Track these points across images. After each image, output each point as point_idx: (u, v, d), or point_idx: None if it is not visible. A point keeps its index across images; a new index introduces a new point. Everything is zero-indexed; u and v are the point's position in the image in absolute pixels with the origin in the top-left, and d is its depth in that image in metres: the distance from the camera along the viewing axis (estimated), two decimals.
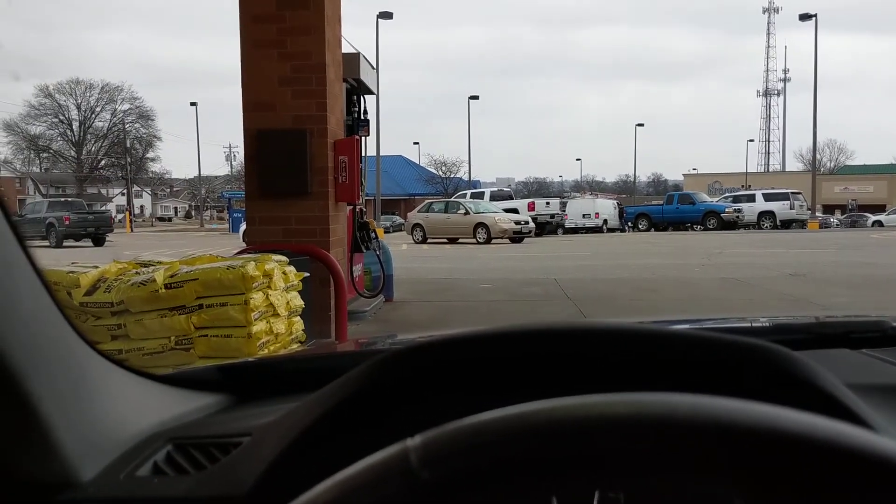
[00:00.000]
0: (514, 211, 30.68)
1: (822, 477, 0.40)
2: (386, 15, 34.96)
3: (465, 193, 36.76)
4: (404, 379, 0.61)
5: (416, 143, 79.64)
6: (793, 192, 37.30)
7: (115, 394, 0.72)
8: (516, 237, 27.09)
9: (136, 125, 67.14)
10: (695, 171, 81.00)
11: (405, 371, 0.61)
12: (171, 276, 3.93)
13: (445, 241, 27.49)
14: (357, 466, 0.43)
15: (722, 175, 72.52)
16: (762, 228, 35.48)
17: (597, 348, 0.61)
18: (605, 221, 37.70)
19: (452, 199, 33.28)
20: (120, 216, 56.20)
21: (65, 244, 28.81)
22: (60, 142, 66.36)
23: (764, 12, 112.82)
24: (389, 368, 0.61)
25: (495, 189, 40.38)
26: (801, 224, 36.01)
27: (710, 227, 35.18)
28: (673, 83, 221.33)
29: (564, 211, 37.55)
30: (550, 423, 0.43)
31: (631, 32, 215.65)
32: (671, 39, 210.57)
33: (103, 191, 72.52)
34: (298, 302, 5.74)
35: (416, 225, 28.78)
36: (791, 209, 36.29)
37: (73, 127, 65.13)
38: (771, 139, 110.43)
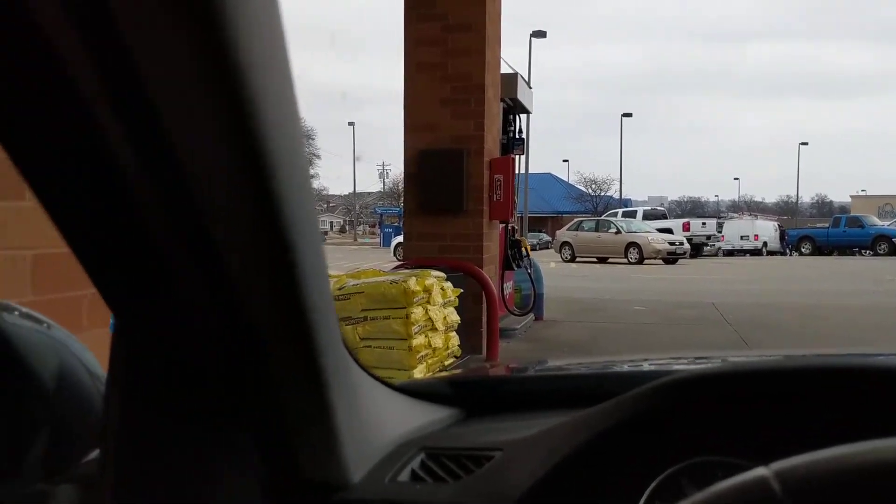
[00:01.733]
0: (668, 231, 29.82)
1: None
2: (539, 34, 34.97)
3: (617, 212, 36.09)
4: (682, 407, 0.63)
5: (565, 161, 79.32)
6: None
7: (373, 403, 0.78)
8: (670, 258, 26.35)
9: None
10: (863, 193, 76.11)
11: (684, 400, 0.63)
12: (339, 289, 4.11)
13: (595, 260, 27.10)
14: (711, 491, 0.44)
15: (894, 197, 67.72)
16: None
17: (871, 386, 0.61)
18: (765, 244, 36.01)
19: (603, 217, 32.78)
20: None
21: None
22: None
23: None
24: (671, 396, 0.63)
25: (648, 208, 39.50)
26: None
27: (881, 252, 32.85)
28: (840, 100, 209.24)
29: (721, 232, 36.17)
30: None
31: (795, 47, 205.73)
32: (840, 54, 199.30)
33: None
34: (455, 317, 5.85)
35: (565, 243, 28.52)
36: None
37: None
38: None
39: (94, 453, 0.69)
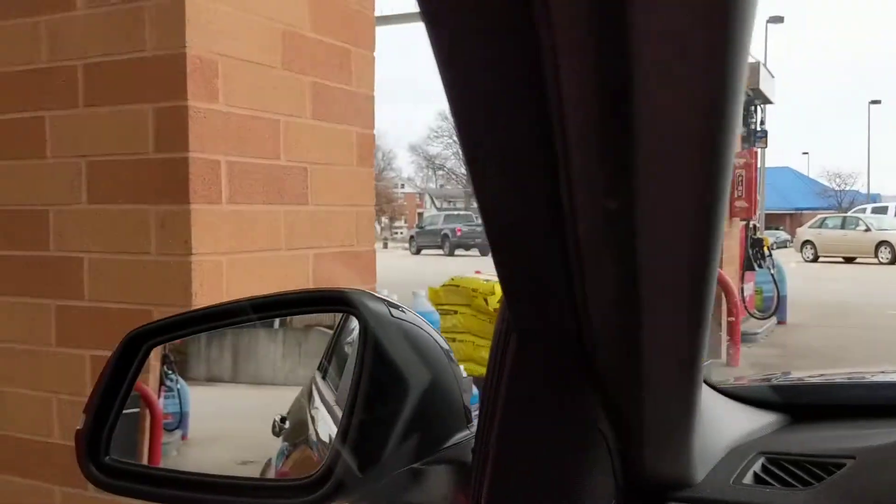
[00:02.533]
0: None
1: None
2: (776, 19, 33.03)
3: (865, 208, 33.39)
4: None
5: (805, 153, 74.12)
6: None
7: (708, 405, 0.77)
8: None
9: None
10: None
11: None
12: None
13: (840, 259, 25.33)
14: None
15: None
16: None
17: None
18: None
19: (850, 213, 30.46)
20: None
21: (455, 253, 31.57)
22: (453, 160, 73.09)
23: None
24: None
25: None
26: None
27: None
28: None
29: None
30: None
31: None
32: None
33: None
34: None
35: (807, 242, 27.01)
36: None
37: None
38: None
39: (460, 435, 0.74)
